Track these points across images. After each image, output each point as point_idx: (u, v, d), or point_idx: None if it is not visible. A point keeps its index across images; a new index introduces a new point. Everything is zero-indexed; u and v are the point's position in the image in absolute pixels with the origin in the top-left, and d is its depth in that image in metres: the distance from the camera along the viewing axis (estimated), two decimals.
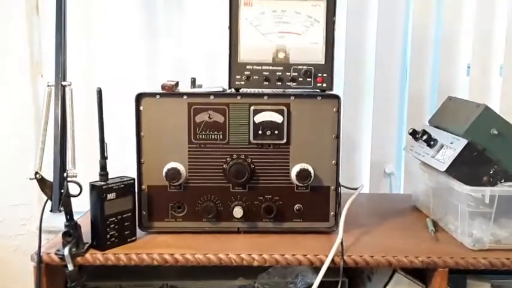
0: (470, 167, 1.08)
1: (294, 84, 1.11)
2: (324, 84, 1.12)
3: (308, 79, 1.11)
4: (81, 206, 1.08)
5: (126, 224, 1.06)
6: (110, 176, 1.05)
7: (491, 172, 1.08)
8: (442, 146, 1.16)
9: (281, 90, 1.13)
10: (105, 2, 1.53)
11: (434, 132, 1.21)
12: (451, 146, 1.11)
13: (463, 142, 1.08)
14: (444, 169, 1.09)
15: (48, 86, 0.99)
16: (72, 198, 0.99)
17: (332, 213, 1.14)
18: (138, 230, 1.10)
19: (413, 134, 1.23)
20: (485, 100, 1.55)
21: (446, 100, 1.33)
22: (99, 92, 1.01)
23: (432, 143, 1.19)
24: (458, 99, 1.30)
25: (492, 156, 1.08)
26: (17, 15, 1.53)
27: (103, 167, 1.04)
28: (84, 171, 1.01)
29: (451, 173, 1.09)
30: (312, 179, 1.10)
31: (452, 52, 1.59)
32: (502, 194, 1.04)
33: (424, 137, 1.20)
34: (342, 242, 1.03)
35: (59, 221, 1.04)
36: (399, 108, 1.63)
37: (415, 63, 1.59)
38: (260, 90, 1.13)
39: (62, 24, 1.00)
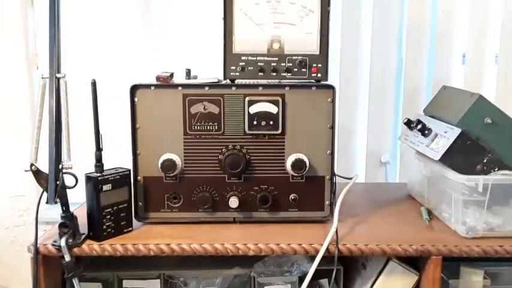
0: (464, 156, 1.09)
1: (288, 74, 1.12)
2: (319, 75, 1.12)
3: (303, 69, 1.11)
4: (78, 197, 1.08)
5: (122, 214, 1.07)
6: (105, 168, 1.05)
7: (485, 161, 1.09)
8: (436, 135, 1.16)
9: (276, 80, 1.13)
10: None
11: (429, 122, 1.22)
12: (445, 135, 1.12)
13: (457, 131, 1.08)
14: (438, 158, 1.10)
15: (42, 78, 0.99)
16: (68, 190, 1.00)
17: (327, 202, 1.14)
18: (134, 220, 1.11)
19: (408, 123, 1.23)
20: (481, 89, 1.56)
21: (440, 89, 1.33)
22: (94, 84, 1.01)
23: (426, 132, 1.20)
24: (453, 88, 1.30)
25: (486, 145, 1.09)
26: (12, 7, 1.52)
27: (98, 159, 1.04)
28: (81, 162, 1.02)
29: (445, 162, 1.09)
30: (307, 169, 1.10)
31: (448, 41, 1.59)
32: (496, 182, 1.05)
33: (419, 127, 1.21)
34: (336, 231, 1.04)
35: (56, 212, 1.04)
36: (395, 98, 1.63)
37: (411, 52, 1.59)
38: (255, 81, 1.13)
39: (55, 16, 1.00)
